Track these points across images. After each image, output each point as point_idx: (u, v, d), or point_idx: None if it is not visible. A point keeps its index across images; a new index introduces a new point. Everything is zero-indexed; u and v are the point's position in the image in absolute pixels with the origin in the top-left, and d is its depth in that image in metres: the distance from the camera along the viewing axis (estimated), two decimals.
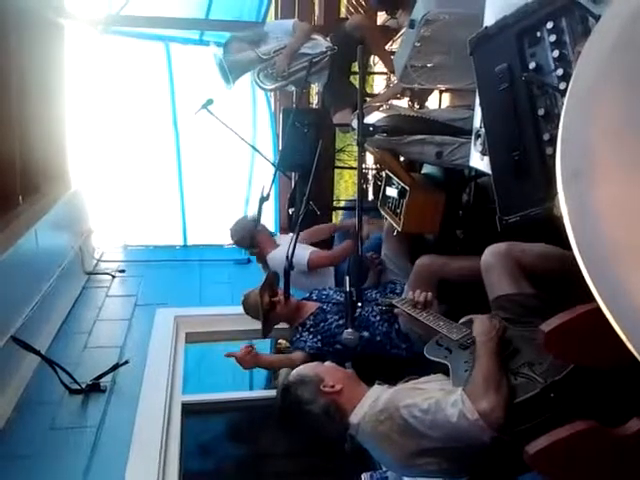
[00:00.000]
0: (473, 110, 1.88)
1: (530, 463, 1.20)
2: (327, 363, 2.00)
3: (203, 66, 4.34)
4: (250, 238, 3.74)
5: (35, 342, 2.93)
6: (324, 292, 3.21)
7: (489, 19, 1.72)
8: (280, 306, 2.98)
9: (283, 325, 3.25)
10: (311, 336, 2.87)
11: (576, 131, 0.80)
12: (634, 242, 0.70)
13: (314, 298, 3.16)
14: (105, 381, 2.83)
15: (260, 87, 3.95)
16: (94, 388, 2.78)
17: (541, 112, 1.42)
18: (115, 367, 2.89)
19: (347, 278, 2.19)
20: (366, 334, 2.80)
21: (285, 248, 3.00)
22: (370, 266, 3.30)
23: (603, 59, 0.82)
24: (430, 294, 2.25)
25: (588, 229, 0.75)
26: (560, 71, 1.37)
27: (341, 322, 2.77)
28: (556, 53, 1.37)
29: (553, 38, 1.38)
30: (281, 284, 2.89)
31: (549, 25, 1.38)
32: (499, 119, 1.53)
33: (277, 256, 3.46)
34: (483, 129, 1.67)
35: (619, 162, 0.75)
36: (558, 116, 1.36)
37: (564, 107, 0.83)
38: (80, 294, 3.95)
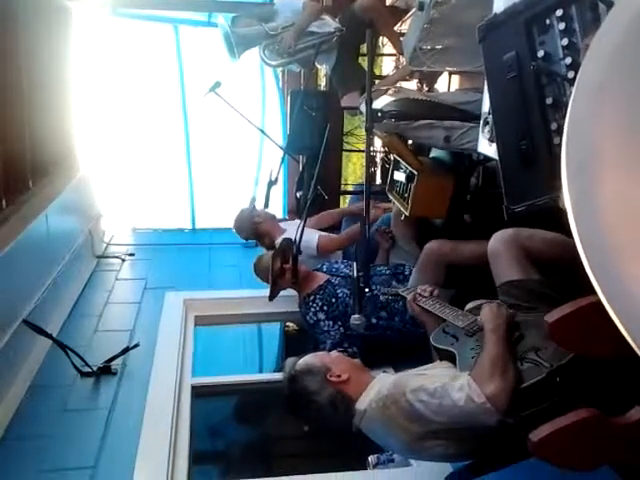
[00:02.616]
0: (482, 93, 1.87)
1: (533, 451, 1.22)
2: (333, 352, 2.03)
3: (212, 48, 4.31)
4: (253, 231, 3.83)
5: (47, 325, 2.96)
6: (335, 265, 3.24)
7: (499, 2, 1.71)
8: (289, 273, 3.01)
9: (293, 309, 3.29)
10: (331, 322, 2.87)
11: (582, 126, 0.80)
12: (637, 239, 0.71)
13: (324, 270, 3.19)
14: (116, 364, 2.86)
15: (265, 62, 3.93)
16: (105, 371, 2.81)
17: (549, 101, 1.42)
18: (126, 350, 2.92)
19: (354, 264, 2.20)
20: (384, 314, 2.83)
21: (292, 233, 3.02)
22: (381, 240, 3.33)
23: (611, 53, 0.82)
24: (437, 290, 2.26)
25: (591, 224, 0.75)
26: (569, 60, 1.36)
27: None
28: (565, 41, 1.36)
29: (562, 26, 1.36)
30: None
31: (558, 13, 1.36)
32: (507, 107, 1.52)
33: None
34: (491, 116, 1.66)
35: (625, 158, 0.75)
36: (566, 105, 1.35)
37: (570, 102, 0.83)
38: (90, 277, 3.99)
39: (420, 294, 2.29)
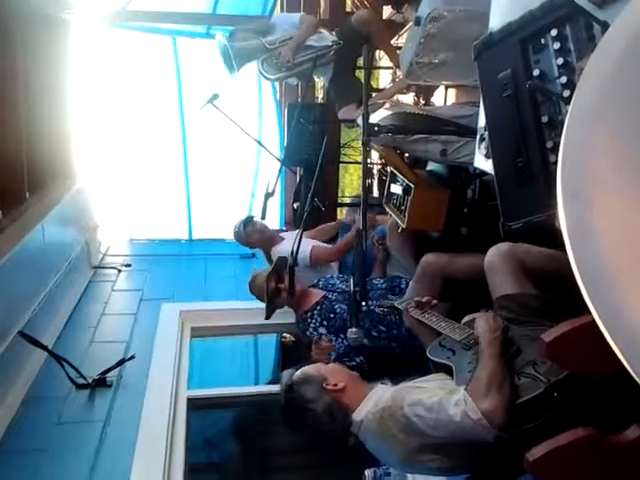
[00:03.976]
0: (478, 107, 1.88)
1: (530, 470, 1.22)
2: (331, 364, 2.03)
3: (210, 60, 4.33)
4: (245, 240, 3.90)
5: (42, 337, 2.95)
6: (330, 281, 3.22)
7: (494, 19, 1.73)
8: (285, 292, 3.00)
9: (289, 320, 3.28)
10: (333, 337, 2.83)
11: (577, 151, 0.80)
12: (632, 264, 0.71)
13: (320, 286, 3.16)
14: (111, 376, 2.85)
15: (263, 76, 3.97)
16: (100, 383, 2.80)
17: (545, 119, 1.43)
18: (121, 362, 2.91)
19: (351, 278, 2.20)
20: (383, 328, 2.82)
21: (289, 242, 3.03)
22: (376, 251, 3.33)
23: (605, 77, 0.83)
24: (435, 300, 2.26)
25: (587, 249, 0.76)
26: (564, 79, 1.37)
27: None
28: (560, 60, 1.38)
29: (557, 45, 1.38)
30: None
31: (553, 32, 1.38)
32: (503, 125, 1.53)
33: (281, 250, 3.49)
34: (487, 133, 1.67)
35: (620, 184, 0.75)
36: (562, 123, 1.37)
37: (565, 126, 0.84)
38: (86, 288, 3.98)
39: (416, 306, 2.29)
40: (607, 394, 1.39)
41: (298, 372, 1.98)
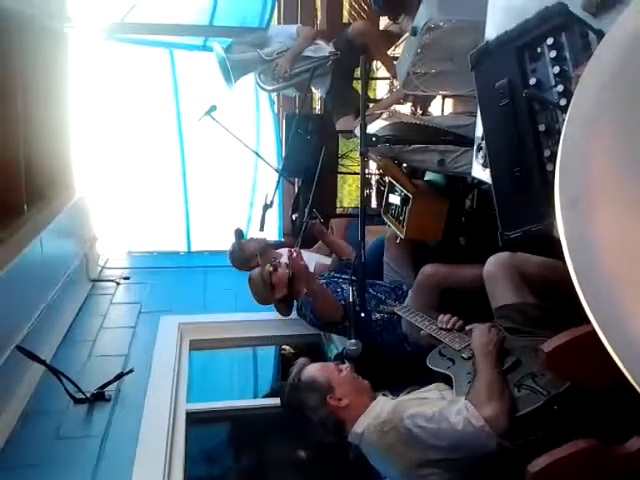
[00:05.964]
0: (475, 116, 1.89)
1: None
2: (345, 371, 2.00)
3: (207, 72, 4.34)
4: (245, 262, 3.79)
5: (40, 351, 2.93)
6: (326, 274, 3.27)
7: (490, 29, 1.73)
8: (281, 268, 3.00)
9: (289, 332, 3.26)
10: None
11: (575, 159, 0.80)
12: (631, 273, 0.70)
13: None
14: (110, 390, 2.83)
15: (261, 87, 3.99)
16: (99, 397, 2.77)
17: (542, 128, 1.43)
18: (120, 376, 2.89)
19: (350, 289, 2.19)
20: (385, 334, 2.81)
21: (286, 257, 3.01)
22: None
23: (602, 86, 0.82)
24: (460, 322, 2.21)
25: (586, 257, 0.75)
26: (560, 87, 1.38)
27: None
28: (556, 69, 1.38)
29: (553, 54, 1.38)
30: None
31: (549, 41, 1.38)
32: (500, 135, 1.53)
33: None
34: (484, 142, 1.68)
35: (619, 192, 0.75)
36: (559, 132, 1.37)
37: (562, 135, 0.83)
38: (85, 301, 3.95)
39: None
40: (607, 405, 1.38)
41: (309, 370, 1.97)
